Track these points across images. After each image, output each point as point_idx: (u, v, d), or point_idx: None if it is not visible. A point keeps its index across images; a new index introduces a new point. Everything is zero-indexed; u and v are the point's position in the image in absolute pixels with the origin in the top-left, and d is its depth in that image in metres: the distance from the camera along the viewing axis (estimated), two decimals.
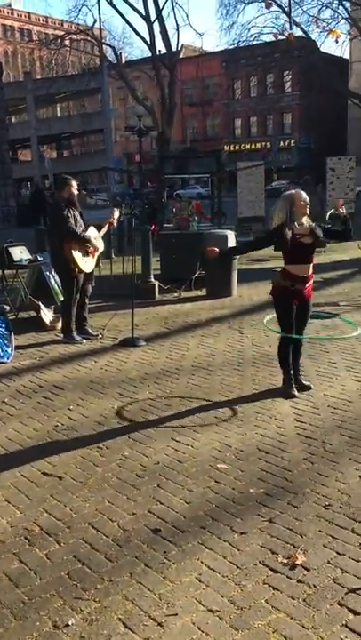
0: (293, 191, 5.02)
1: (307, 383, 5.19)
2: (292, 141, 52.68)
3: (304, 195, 4.93)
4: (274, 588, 2.68)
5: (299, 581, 2.72)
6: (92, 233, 7.04)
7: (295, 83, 50.14)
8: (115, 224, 7.43)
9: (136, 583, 2.75)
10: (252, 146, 53.71)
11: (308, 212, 4.94)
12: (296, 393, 5.01)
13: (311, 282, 5.10)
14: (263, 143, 53.53)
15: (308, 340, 6.05)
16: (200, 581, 2.74)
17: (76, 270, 6.81)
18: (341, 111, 47.41)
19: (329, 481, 3.60)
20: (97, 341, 7.00)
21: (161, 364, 6.03)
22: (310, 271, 5.03)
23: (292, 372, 5.13)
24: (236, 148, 53.26)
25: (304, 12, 29.89)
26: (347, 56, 44.41)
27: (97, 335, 7.17)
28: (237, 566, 2.84)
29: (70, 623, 2.51)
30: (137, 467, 3.86)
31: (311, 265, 5.02)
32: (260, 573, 2.78)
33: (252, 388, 5.26)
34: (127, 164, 54.51)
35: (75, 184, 6.96)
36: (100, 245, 7.20)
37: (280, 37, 19.15)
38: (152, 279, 9.55)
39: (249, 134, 56.08)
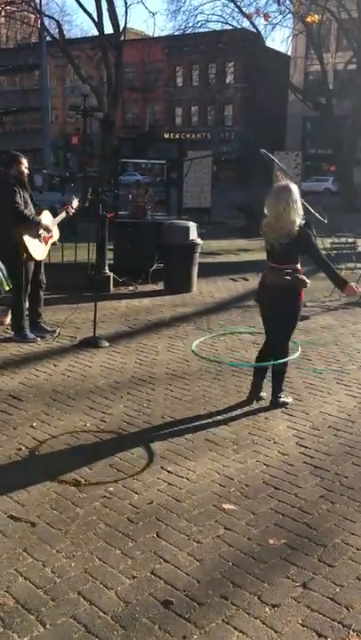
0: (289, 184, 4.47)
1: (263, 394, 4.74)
2: (232, 134, 52.39)
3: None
4: None
5: None
6: (47, 218, 6.25)
7: (238, 75, 49.95)
8: (71, 212, 6.66)
9: None
10: (193, 136, 53.09)
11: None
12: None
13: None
14: (204, 134, 52.99)
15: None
16: None
17: (25, 256, 6.00)
18: (282, 107, 47.62)
19: (359, 528, 3.05)
20: (52, 340, 6.20)
21: (131, 371, 5.32)
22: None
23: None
24: (177, 136, 52.43)
25: (251, 3, 29.46)
26: (290, 52, 44.49)
27: (53, 331, 6.37)
28: None
29: None
30: (126, 507, 3.17)
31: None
32: None
33: (238, 402, 4.66)
34: (65, 145, 52.64)
35: (25, 161, 6.10)
36: (56, 233, 6.44)
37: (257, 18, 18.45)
38: (107, 270, 8.79)
39: (190, 123, 55.37)
